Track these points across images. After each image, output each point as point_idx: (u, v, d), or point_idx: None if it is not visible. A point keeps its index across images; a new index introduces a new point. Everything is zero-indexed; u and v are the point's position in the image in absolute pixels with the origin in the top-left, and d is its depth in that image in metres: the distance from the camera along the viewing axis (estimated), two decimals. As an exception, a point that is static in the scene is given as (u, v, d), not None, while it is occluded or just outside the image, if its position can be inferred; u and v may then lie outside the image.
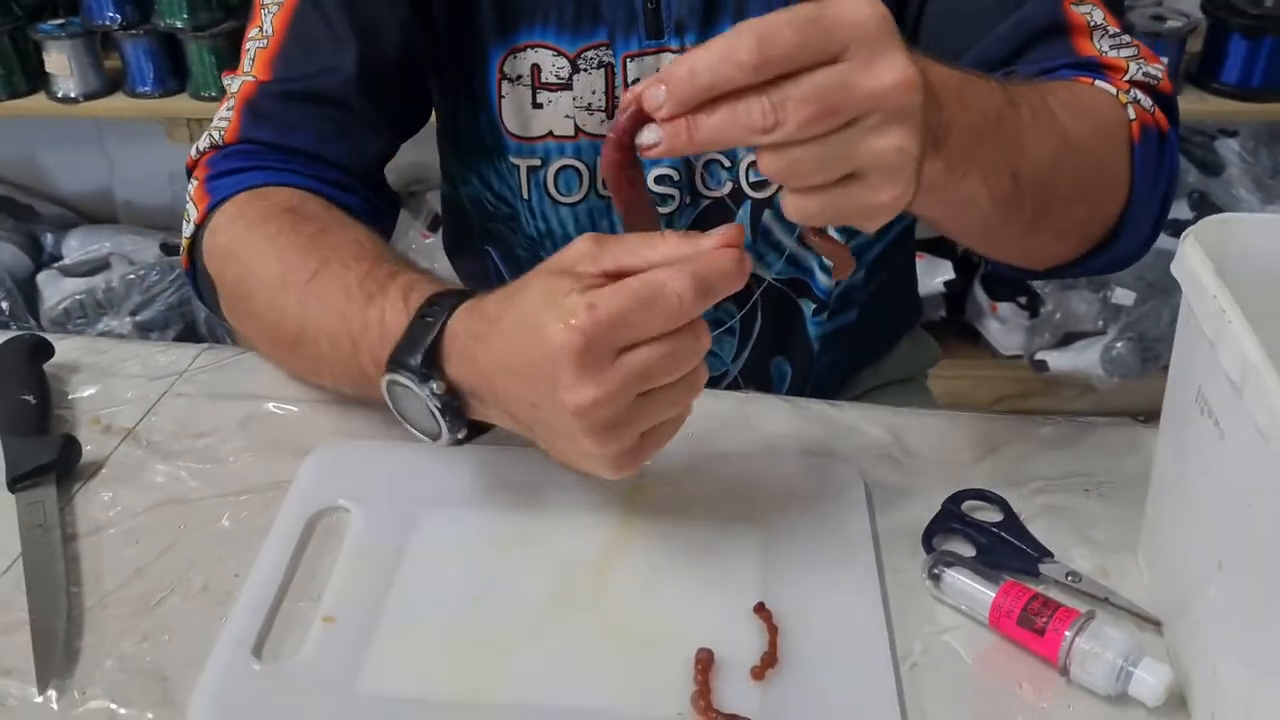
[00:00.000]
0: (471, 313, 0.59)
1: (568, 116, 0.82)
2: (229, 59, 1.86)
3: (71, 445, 0.69)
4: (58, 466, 0.67)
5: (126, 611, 0.60)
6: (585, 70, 0.80)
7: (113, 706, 0.54)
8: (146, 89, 1.90)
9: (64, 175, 2.36)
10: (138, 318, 2.18)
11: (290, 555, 0.62)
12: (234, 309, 0.75)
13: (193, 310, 2.23)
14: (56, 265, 2.22)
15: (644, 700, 0.54)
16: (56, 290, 2.18)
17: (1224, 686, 0.50)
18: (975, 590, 0.58)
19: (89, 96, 1.91)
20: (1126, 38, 0.73)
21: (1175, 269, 0.54)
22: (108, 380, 0.77)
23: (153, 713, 0.54)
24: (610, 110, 0.81)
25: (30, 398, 0.72)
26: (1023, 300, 2.12)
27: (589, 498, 0.66)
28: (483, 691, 0.55)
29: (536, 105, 0.82)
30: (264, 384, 0.77)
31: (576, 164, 0.84)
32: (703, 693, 0.54)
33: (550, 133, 0.83)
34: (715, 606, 0.59)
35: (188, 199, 0.78)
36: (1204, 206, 2.06)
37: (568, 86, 0.81)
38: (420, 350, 0.59)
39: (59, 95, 1.90)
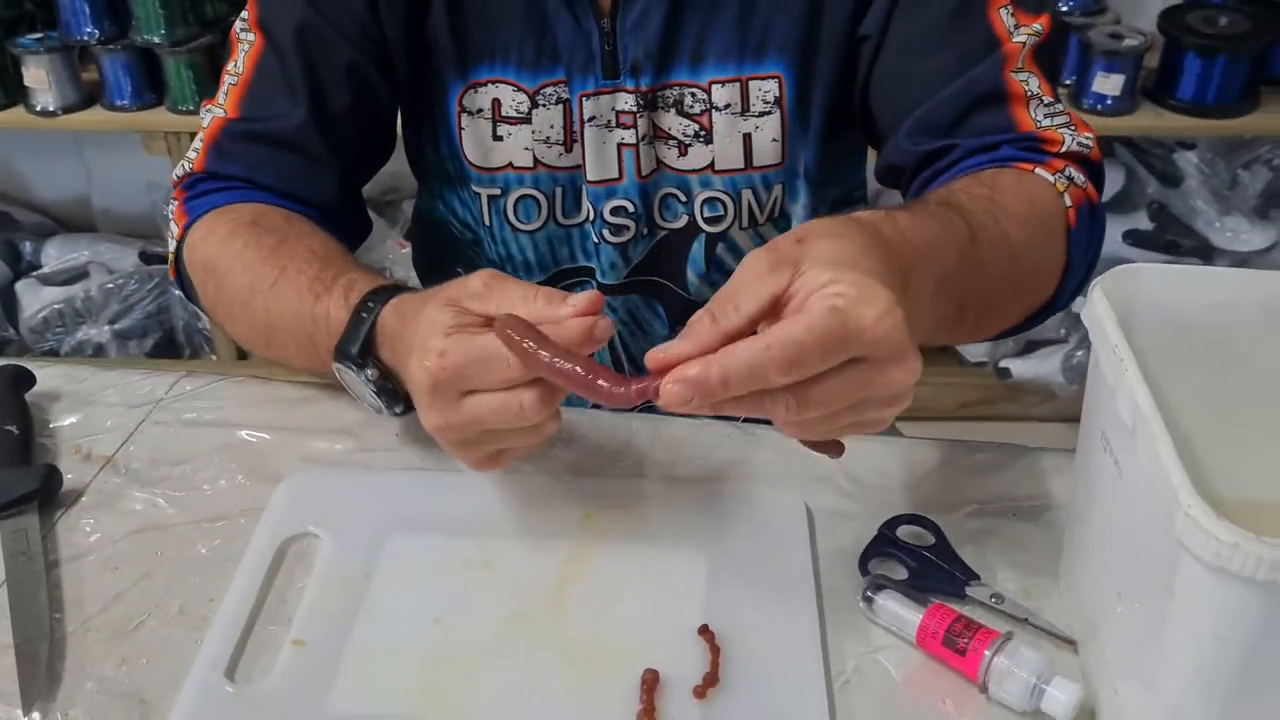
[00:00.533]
0: (396, 309, 0.68)
1: (526, 149, 0.86)
2: (205, 73, 1.88)
3: (53, 474, 0.72)
4: (40, 495, 0.71)
5: (106, 635, 0.63)
6: (544, 105, 0.84)
7: (94, 727, 0.58)
8: (124, 102, 1.92)
9: (41, 184, 2.37)
10: (116, 326, 2.21)
11: (262, 580, 0.66)
12: (216, 314, 0.83)
13: (171, 319, 2.25)
14: (35, 274, 2.24)
15: (594, 718, 0.58)
16: (35, 299, 2.20)
17: (1122, 704, 0.54)
18: (904, 612, 0.63)
19: (67, 109, 1.93)
20: (1059, 106, 0.79)
21: (1084, 316, 0.58)
22: (87, 409, 0.81)
23: (131, 733, 0.58)
24: (569, 144, 0.85)
25: (13, 428, 0.75)
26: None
27: (545, 524, 0.70)
28: (444, 710, 0.58)
29: (497, 138, 0.86)
30: (237, 412, 0.80)
31: (535, 194, 0.88)
32: (648, 711, 0.58)
33: (510, 164, 0.87)
34: (662, 628, 0.63)
35: (170, 217, 0.85)
36: (1163, 217, 2.11)
37: (527, 120, 0.85)
38: (357, 342, 0.68)
39: (37, 108, 1.93)
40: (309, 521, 0.70)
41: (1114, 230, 2.11)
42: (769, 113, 0.84)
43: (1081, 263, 0.76)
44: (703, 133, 0.85)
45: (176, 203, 0.85)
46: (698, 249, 0.90)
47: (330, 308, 0.71)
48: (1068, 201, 0.74)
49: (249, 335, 0.80)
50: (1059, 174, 0.75)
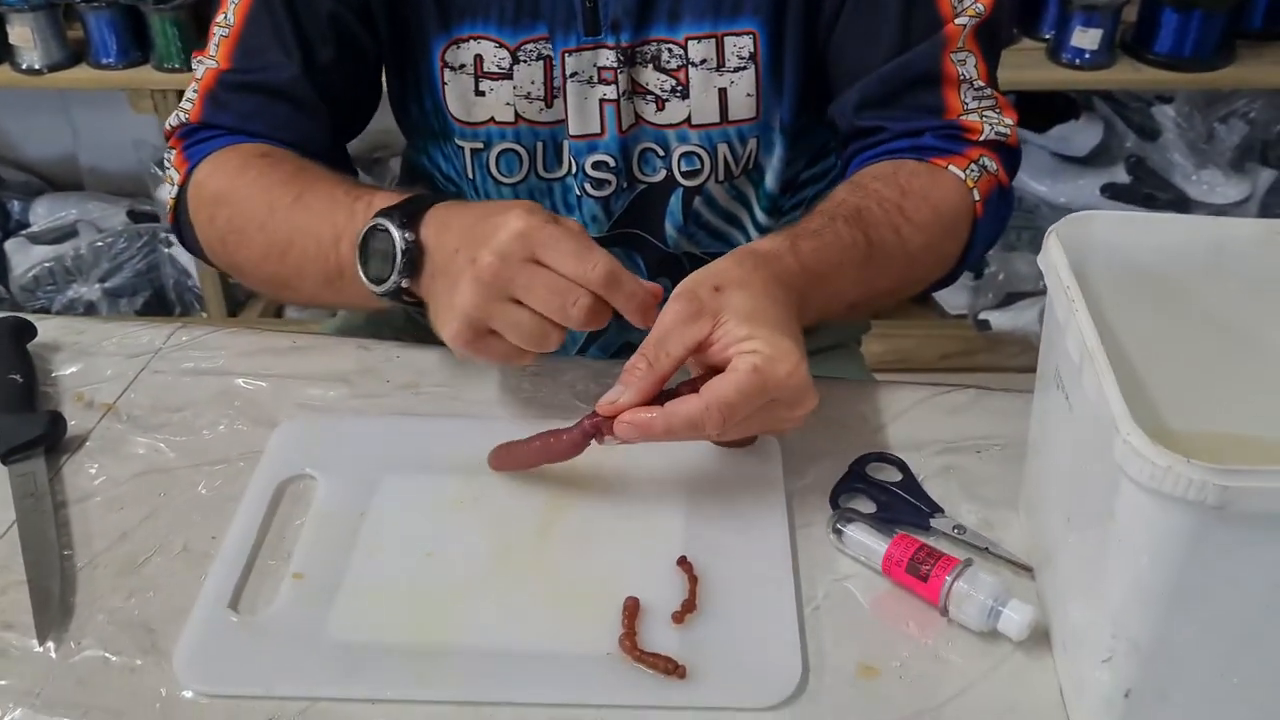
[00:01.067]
0: (452, 201, 0.73)
1: (508, 104, 0.88)
2: (191, 31, 1.89)
3: (58, 420, 0.75)
4: (46, 440, 0.74)
5: (114, 571, 0.66)
6: (525, 62, 0.86)
7: (106, 655, 0.61)
8: (110, 60, 1.93)
9: (28, 142, 2.38)
10: (107, 284, 2.23)
11: (262, 519, 0.69)
12: (227, 245, 0.84)
13: (160, 277, 2.27)
14: (25, 233, 2.25)
15: (578, 642, 0.62)
16: (25, 258, 2.22)
17: (1071, 621, 0.58)
18: (871, 543, 0.66)
19: (53, 68, 1.93)
20: (988, 91, 0.85)
21: (1040, 261, 0.61)
22: (88, 359, 0.83)
23: (141, 659, 0.61)
24: (549, 100, 0.88)
25: (18, 376, 0.78)
26: (968, 261, 2.20)
27: (532, 464, 0.73)
28: (436, 637, 0.62)
29: (479, 93, 0.88)
30: (233, 361, 0.83)
31: (516, 148, 0.90)
32: (629, 634, 0.61)
33: (492, 119, 0.89)
34: (643, 560, 0.67)
35: (168, 165, 0.87)
36: (1140, 170, 2.14)
37: (508, 76, 0.87)
38: (408, 208, 0.72)
39: (23, 67, 1.93)
40: (305, 464, 0.73)
41: (1092, 184, 2.14)
42: (744, 68, 0.86)
43: (983, 242, 0.86)
44: (679, 88, 0.87)
45: (175, 151, 0.87)
46: (675, 202, 0.92)
47: (375, 199, 0.75)
48: (976, 196, 0.83)
49: (262, 254, 0.81)
50: (973, 164, 0.83)
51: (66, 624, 0.63)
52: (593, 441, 0.68)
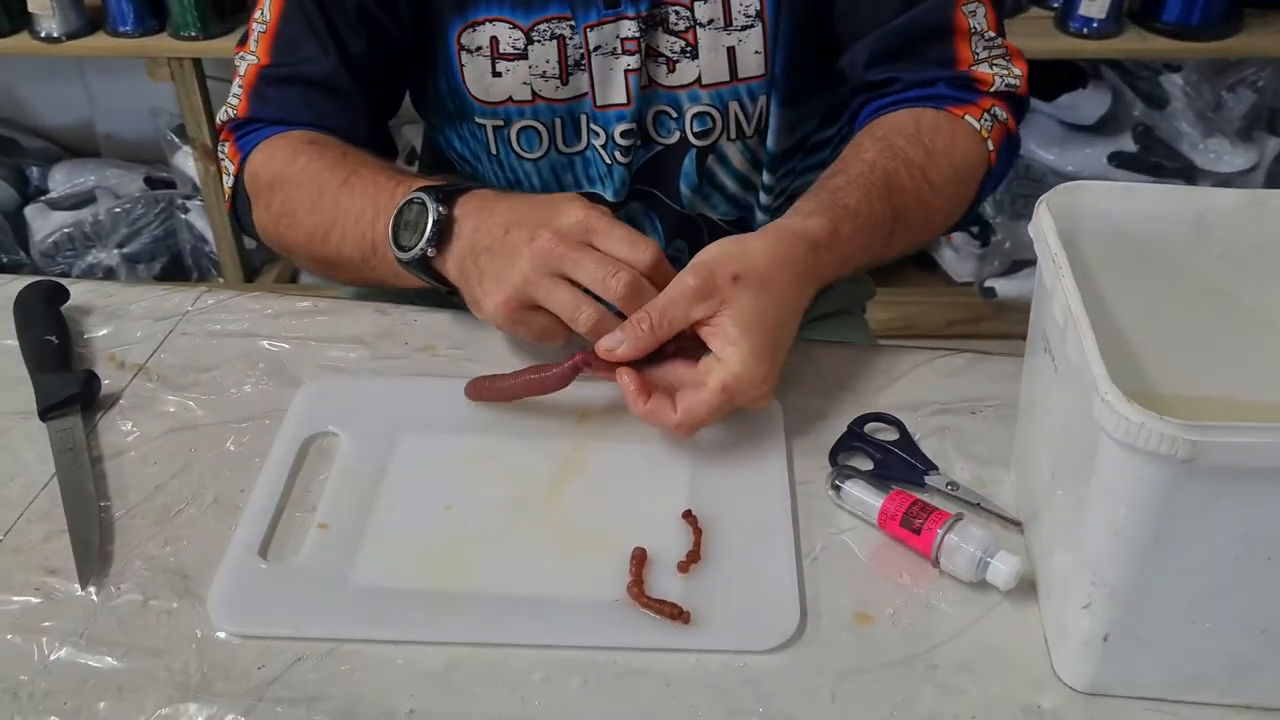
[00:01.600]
0: (496, 190, 0.79)
1: (524, 83, 0.91)
2: (207, 0, 1.91)
3: (92, 379, 0.78)
4: (82, 399, 0.77)
5: (150, 521, 0.70)
6: (539, 41, 0.89)
7: (144, 598, 0.65)
8: (127, 29, 1.95)
9: (46, 109, 2.41)
10: (125, 250, 2.26)
11: (288, 473, 0.72)
12: (280, 228, 0.88)
13: (178, 243, 2.30)
14: (44, 199, 2.28)
15: (587, 589, 0.65)
16: (45, 224, 2.25)
17: (1054, 571, 0.61)
18: (868, 498, 0.69)
19: (71, 36, 1.96)
20: (999, 41, 0.87)
21: (1030, 229, 0.64)
22: (119, 321, 0.87)
23: (177, 603, 0.65)
24: (564, 77, 0.90)
25: (53, 338, 0.81)
26: (975, 230, 2.22)
27: (545, 423, 0.76)
28: (453, 583, 0.66)
29: (496, 74, 0.91)
30: (258, 324, 0.87)
31: (536, 125, 0.93)
32: (636, 582, 0.65)
33: (510, 98, 0.92)
34: (650, 513, 0.70)
35: (223, 156, 0.92)
36: (1148, 139, 2.15)
37: (523, 56, 0.90)
38: (449, 188, 0.77)
39: (41, 35, 1.95)
40: (329, 422, 0.76)
41: (1100, 152, 2.16)
42: (750, 26, 0.88)
43: (993, 185, 0.90)
44: (689, 48, 0.89)
45: (228, 144, 0.92)
46: (689, 164, 0.95)
47: (414, 184, 0.79)
48: (990, 146, 0.86)
49: (309, 234, 0.85)
50: (985, 114, 0.86)
51: (106, 570, 0.67)
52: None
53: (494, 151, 0.95)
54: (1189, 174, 2.14)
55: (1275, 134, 2.16)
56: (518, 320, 0.74)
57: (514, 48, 0.89)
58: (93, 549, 0.67)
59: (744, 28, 0.88)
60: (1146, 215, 0.65)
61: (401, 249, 0.78)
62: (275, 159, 0.87)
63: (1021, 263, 2.20)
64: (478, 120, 0.94)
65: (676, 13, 0.88)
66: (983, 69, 0.86)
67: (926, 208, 0.83)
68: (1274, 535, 0.52)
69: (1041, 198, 0.64)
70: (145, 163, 2.36)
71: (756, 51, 0.89)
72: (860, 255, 0.79)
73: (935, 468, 0.73)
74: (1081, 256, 0.64)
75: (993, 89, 0.86)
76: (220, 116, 0.93)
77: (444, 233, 0.76)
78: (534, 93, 0.91)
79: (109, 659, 0.62)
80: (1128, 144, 2.14)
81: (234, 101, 0.91)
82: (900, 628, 0.64)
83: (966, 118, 0.86)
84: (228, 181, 0.92)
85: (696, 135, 0.93)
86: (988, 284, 2.20)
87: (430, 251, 0.76)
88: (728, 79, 0.90)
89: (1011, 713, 0.59)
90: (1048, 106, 2.15)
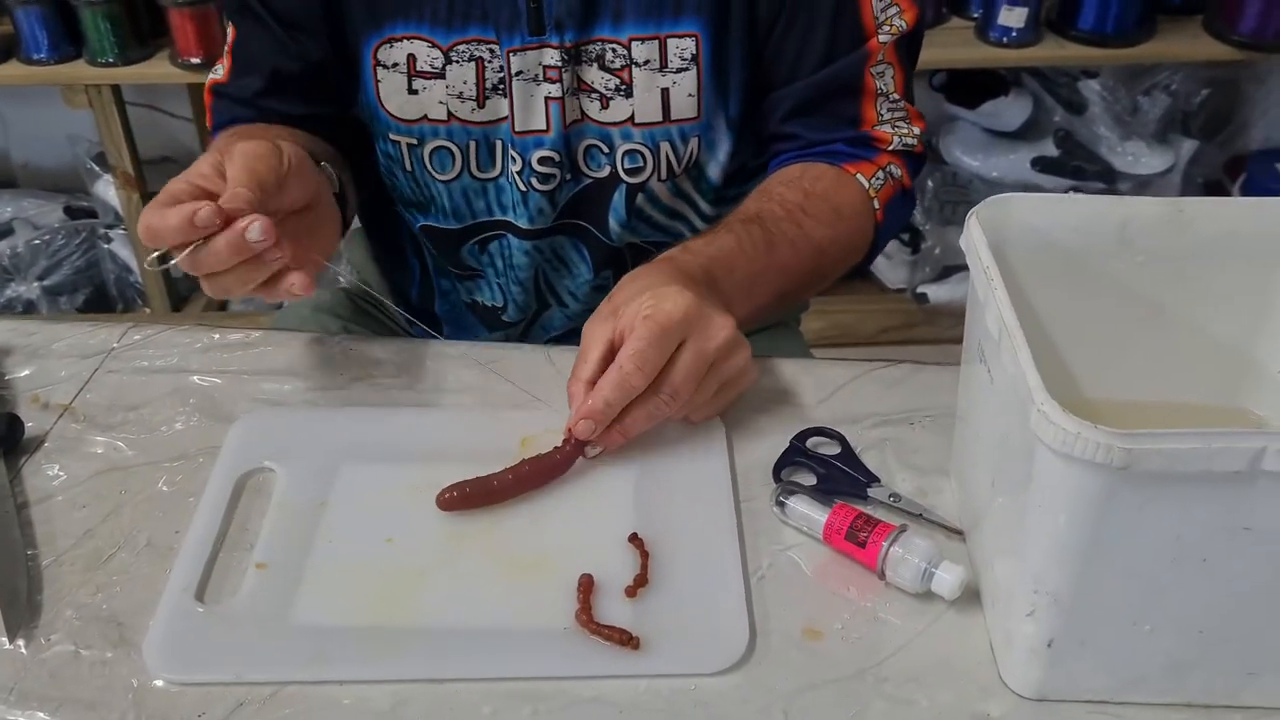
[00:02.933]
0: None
1: (441, 103, 0.90)
2: (124, 25, 1.87)
3: (15, 422, 0.76)
4: (4, 443, 0.75)
5: (80, 568, 0.68)
6: (457, 62, 0.89)
7: (76, 649, 0.63)
8: (41, 56, 1.90)
9: (-43, 139, 2.34)
10: (46, 282, 2.20)
11: (224, 512, 0.71)
12: None
13: (101, 273, 2.25)
14: (-42, 232, 2.22)
15: (535, 618, 0.64)
16: (-39, 258, 2.18)
17: (997, 579, 0.62)
18: (812, 513, 0.70)
19: (-18, 64, 1.91)
20: (901, 104, 0.93)
21: (962, 242, 0.65)
22: (40, 360, 0.84)
23: (111, 652, 0.63)
24: (481, 100, 0.90)
25: (-29, 381, 0.78)
26: (905, 237, 2.25)
27: (485, 449, 0.75)
28: (398, 618, 0.64)
29: (412, 91, 0.90)
30: (187, 358, 0.85)
31: (449, 145, 0.93)
32: (585, 609, 0.64)
33: (425, 116, 0.91)
34: (595, 538, 0.69)
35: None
36: (1069, 144, 2.20)
37: (441, 76, 0.89)
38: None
39: (-48, 64, 1.90)
40: (264, 457, 0.75)
41: (1023, 158, 2.20)
42: (686, 69, 0.89)
43: (886, 237, 0.95)
44: (623, 87, 0.90)
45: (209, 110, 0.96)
46: (619, 198, 0.95)
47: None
48: (876, 205, 0.91)
49: None
50: (881, 170, 0.91)
51: (35, 621, 0.64)
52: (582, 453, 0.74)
53: (409, 168, 0.95)
54: (1109, 176, 2.19)
55: (1189, 136, 2.23)
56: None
57: (432, 67, 0.89)
58: (20, 599, 0.65)
59: (679, 70, 0.89)
60: (1073, 226, 0.66)
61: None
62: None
63: (952, 268, 2.24)
64: (392, 137, 0.93)
65: (613, 50, 0.88)
66: (883, 129, 0.92)
67: (809, 233, 0.86)
68: (1206, 538, 0.53)
69: (971, 210, 0.65)
70: (64, 191, 2.30)
71: (690, 94, 0.90)
72: (738, 263, 0.82)
73: (878, 480, 0.74)
74: (1011, 266, 0.65)
75: (890, 147, 0.92)
76: (206, 81, 0.96)
77: None
78: (450, 113, 0.91)
79: (40, 714, 0.60)
80: (1049, 149, 2.19)
81: (219, 69, 0.94)
82: (849, 642, 0.64)
83: (858, 176, 0.91)
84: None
85: (627, 172, 0.94)
86: (920, 290, 2.23)
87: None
88: (660, 119, 0.91)
89: (961, 722, 0.60)
90: (971, 114, 2.19)
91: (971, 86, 2.16)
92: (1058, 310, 0.68)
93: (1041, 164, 2.20)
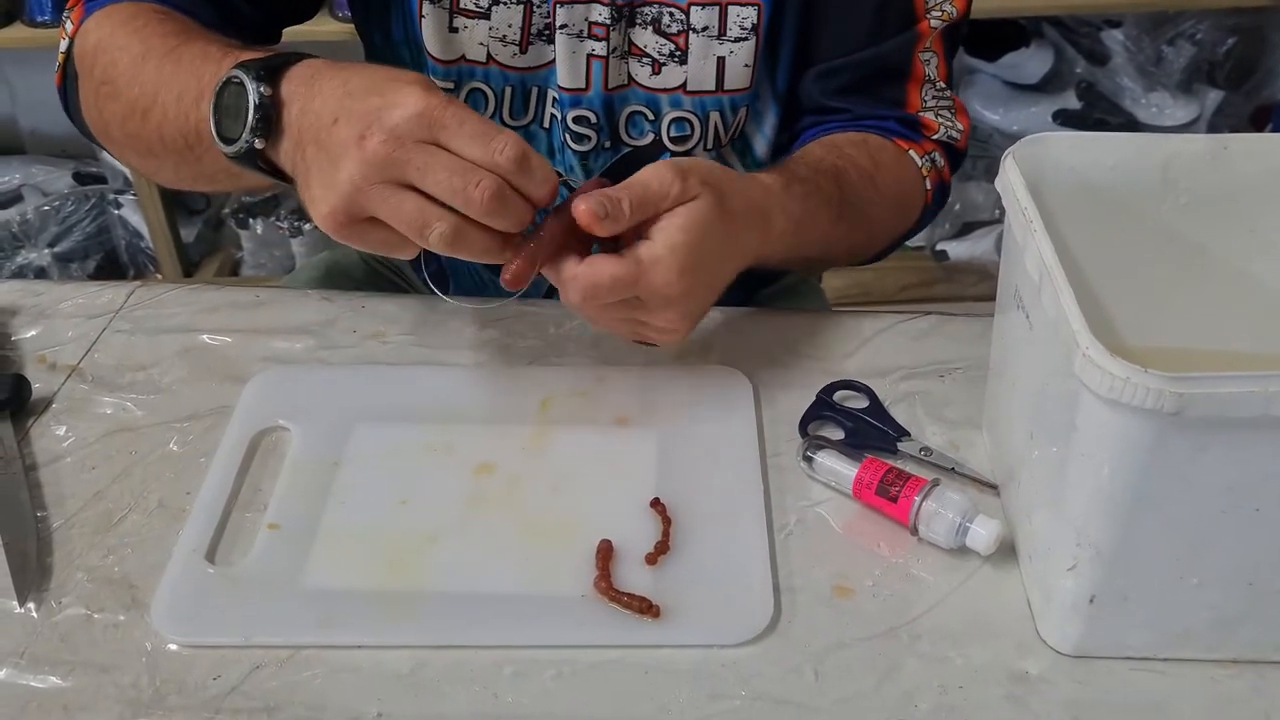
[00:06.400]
0: (325, 60, 0.65)
1: (481, 44, 0.87)
2: (128, -16, 1.84)
3: (22, 383, 0.74)
4: (11, 404, 0.73)
5: (90, 530, 0.66)
6: (505, 4, 0.85)
7: (88, 612, 0.61)
8: (45, 18, 1.88)
9: (-37, 105, 2.32)
10: (56, 249, 2.19)
11: (236, 471, 0.69)
12: (100, 98, 0.77)
13: (112, 239, 2.23)
14: (-33, 200, 2.20)
15: (553, 585, 0.62)
16: (-31, 225, 2.17)
17: (1036, 533, 0.60)
18: (841, 468, 0.67)
19: (-14, 28, 1.88)
20: (948, 93, 0.90)
21: (998, 184, 0.62)
22: (48, 321, 0.82)
23: (124, 615, 0.61)
24: (524, 46, 0.87)
25: (-24, 342, 0.77)
26: (924, 193, 2.21)
27: (505, 410, 0.73)
28: (411, 582, 0.62)
29: (453, 29, 0.86)
30: (196, 318, 0.83)
31: (484, 88, 0.89)
32: (604, 577, 0.62)
33: (463, 56, 0.88)
34: (616, 503, 0.67)
35: (66, 19, 0.81)
36: (1091, 95, 2.15)
37: (485, 16, 0.85)
38: (268, 62, 0.64)
39: (-45, 27, 1.88)
40: (278, 416, 0.73)
41: (1045, 111, 2.16)
42: (745, 39, 0.86)
43: (925, 223, 0.94)
44: (678, 53, 0.86)
45: (74, 9, 0.81)
46: None
47: (243, 54, 0.68)
48: (928, 185, 0.89)
49: (128, 109, 0.74)
50: (926, 156, 0.88)
51: (46, 584, 0.63)
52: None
53: None
54: (1132, 128, 2.14)
55: (1215, 86, 2.18)
56: (350, 235, 0.63)
57: (477, 5, 0.85)
58: (30, 562, 0.64)
59: (737, 39, 0.86)
60: (1112, 166, 0.64)
61: (226, 141, 0.65)
62: (110, 20, 0.76)
63: (973, 224, 2.20)
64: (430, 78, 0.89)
65: (671, 14, 0.85)
66: (929, 116, 0.89)
67: (871, 212, 0.83)
68: (1260, 486, 0.51)
69: (1008, 151, 0.62)
70: (73, 158, 2.28)
71: (746, 65, 0.87)
72: (809, 225, 0.77)
73: (907, 433, 0.71)
74: (1048, 208, 0.62)
75: (936, 135, 0.89)
76: None
77: (270, 119, 0.64)
78: (489, 55, 0.87)
79: (53, 678, 0.58)
80: (1071, 101, 2.15)
81: None
82: (880, 599, 0.62)
83: (910, 152, 0.88)
84: (62, 45, 0.81)
85: (673, 140, 0.90)
86: (939, 247, 2.20)
87: (259, 143, 0.64)
88: (713, 88, 0.88)
89: (998, 679, 0.58)
90: (991, 67, 2.15)
91: (992, 38, 2.11)
92: (1097, 255, 0.65)
93: (1063, 117, 2.15)
